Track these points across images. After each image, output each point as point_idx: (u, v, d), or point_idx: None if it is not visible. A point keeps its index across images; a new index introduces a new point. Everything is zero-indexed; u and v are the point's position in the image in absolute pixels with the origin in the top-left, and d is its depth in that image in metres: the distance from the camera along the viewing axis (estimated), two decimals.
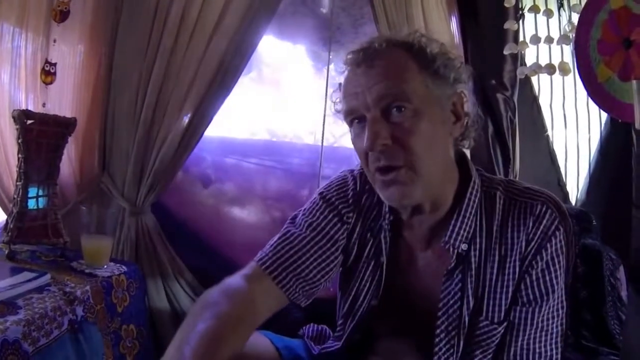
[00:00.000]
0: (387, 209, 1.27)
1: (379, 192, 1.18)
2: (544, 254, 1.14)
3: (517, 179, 2.59)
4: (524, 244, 1.15)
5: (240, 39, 2.17)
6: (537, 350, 1.17)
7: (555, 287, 1.15)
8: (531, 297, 1.16)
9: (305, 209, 1.35)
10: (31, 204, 1.91)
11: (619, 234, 1.56)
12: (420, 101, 1.09)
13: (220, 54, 2.17)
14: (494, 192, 1.21)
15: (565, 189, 2.75)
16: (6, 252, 1.82)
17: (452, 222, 1.19)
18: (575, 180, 2.79)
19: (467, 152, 2.44)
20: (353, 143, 1.20)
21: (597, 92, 1.41)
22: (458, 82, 1.17)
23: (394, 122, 1.09)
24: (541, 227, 1.14)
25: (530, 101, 2.74)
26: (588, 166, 2.75)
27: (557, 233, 1.14)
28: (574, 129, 2.77)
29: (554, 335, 1.18)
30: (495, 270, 1.18)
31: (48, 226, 1.97)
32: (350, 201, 1.32)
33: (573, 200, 2.75)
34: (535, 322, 1.16)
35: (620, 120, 1.41)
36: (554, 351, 1.18)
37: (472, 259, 1.19)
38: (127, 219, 2.22)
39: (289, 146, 2.99)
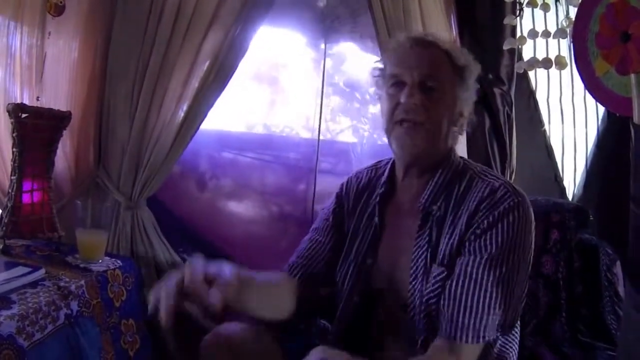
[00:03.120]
0: (385, 179, 1.54)
1: (394, 141, 1.43)
2: (490, 219, 1.30)
3: (514, 173, 2.59)
4: (475, 204, 1.35)
5: (236, 32, 2.17)
6: (468, 303, 1.26)
7: (494, 248, 1.28)
8: (471, 250, 1.31)
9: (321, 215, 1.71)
10: (26, 198, 1.91)
11: (616, 229, 1.55)
12: (446, 89, 1.40)
13: (216, 47, 2.16)
14: (466, 170, 1.45)
15: (562, 184, 2.75)
16: (1, 246, 1.81)
17: (428, 186, 1.44)
18: (572, 175, 2.78)
19: (464, 147, 2.46)
20: (385, 101, 1.45)
21: (595, 85, 1.40)
22: (471, 90, 1.47)
23: (425, 94, 1.37)
24: (495, 198, 1.33)
25: (527, 96, 2.74)
26: (585, 161, 2.74)
27: (508, 207, 1.31)
28: (571, 123, 2.77)
29: (488, 295, 1.26)
30: (448, 224, 1.38)
31: (43, 220, 1.96)
32: (341, 203, 1.65)
33: (570, 195, 2.74)
34: (468, 272, 1.28)
35: (618, 115, 1.41)
36: (486, 311, 1.25)
37: (437, 217, 1.40)
38: (123, 213, 2.22)
39: (285, 140, 2.98)
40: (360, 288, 1.50)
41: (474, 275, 1.27)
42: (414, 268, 1.39)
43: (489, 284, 1.26)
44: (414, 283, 1.38)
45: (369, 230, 1.53)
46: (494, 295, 1.25)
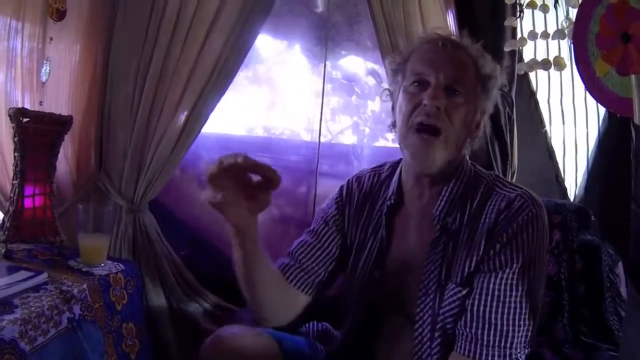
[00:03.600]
0: (394, 190, 1.46)
1: (408, 149, 1.36)
2: (510, 231, 1.26)
3: (515, 174, 2.59)
4: (493, 218, 1.30)
5: (236, 36, 2.17)
6: (492, 321, 1.22)
7: (515, 262, 1.24)
8: (491, 266, 1.26)
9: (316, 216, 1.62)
10: (28, 202, 1.91)
11: (618, 230, 1.55)
12: (470, 96, 1.35)
13: (216, 51, 2.16)
14: (481, 180, 1.40)
15: (564, 184, 2.75)
16: (3, 251, 1.81)
17: (441, 197, 1.37)
18: (574, 176, 2.78)
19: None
20: (402, 100, 1.38)
21: (596, 86, 1.40)
22: (492, 100, 1.44)
23: (449, 98, 1.31)
24: (512, 209, 1.28)
25: (528, 97, 2.74)
26: (586, 162, 2.74)
27: (527, 218, 1.26)
28: (571, 124, 2.77)
29: (512, 312, 1.22)
30: (465, 240, 1.32)
31: (45, 225, 1.96)
32: (341, 208, 1.57)
33: (571, 196, 2.74)
34: (491, 290, 1.24)
35: (619, 115, 1.41)
36: (511, 328, 1.22)
37: (452, 230, 1.35)
38: (125, 217, 2.21)
39: (286, 143, 2.99)
40: (366, 302, 1.45)
41: (496, 292, 1.23)
42: (425, 282, 1.34)
43: (513, 300, 1.22)
44: (423, 299, 1.33)
45: (375, 243, 1.47)
46: (518, 311, 1.22)
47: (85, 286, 1.65)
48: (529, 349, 1.26)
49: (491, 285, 1.24)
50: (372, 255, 1.46)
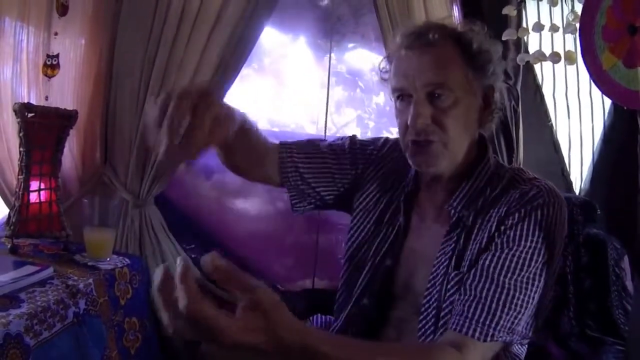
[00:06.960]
0: (411, 177, 1.43)
1: (409, 158, 1.32)
2: (517, 215, 1.22)
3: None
4: (505, 208, 1.25)
5: (241, 30, 2.16)
6: (482, 295, 1.17)
7: (516, 245, 1.19)
8: (492, 247, 1.22)
9: (336, 137, 1.62)
10: (33, 197, 1.91)
11: (624, 223, 1.55)
12: (460, 91, 1.25)
13: (221, 45, 2.16)
14: (503, 174, 1.33)
15: (569, 178, 2.73)
16: (9, 245, 1.82)
17: (460, 189, 1.32)
18: (579, 169, 2.76)
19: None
20: (396, 115, 1.34)
21: (603, 79, 1.40)
22: (494, 74, 1.31)
23: (435, 105, 1.25)
24: (525, 198, 1.23)
25: (533, 90, 2.72)
26: (592, 155, 2.73)
27: (537, 204, 1.22)
28: (577, 118, 2.75)
29: (505, 292, 1.16)
30: (476, 231, 1.28)
31: (50, 219, 1.97)
32: (370, 157, 1.54)
33: (577, 190, 2.73)
34: (486, 267, 1.19)
35: (625, 108, 1.40)
36: (500, 307, 1.16)
37: (467, 224, 1.30)
38: (131, 211, 2.22)
39: (291, 135, 2.98)
40: (373, 289, 1.41)
41: (490, 270, 1.18)
42: (435, 274, 1.30)
43: (507, 282, 1.16)
44: (430, 290, 1.29)
45: (391, 228, 1.42)
46: (511, 293, 1.16)
47: (91, 280, 1.66)
48: (527, 339, 1.24)
49: (487, 263, 1.19)
50: (386, 241, 1.42)
